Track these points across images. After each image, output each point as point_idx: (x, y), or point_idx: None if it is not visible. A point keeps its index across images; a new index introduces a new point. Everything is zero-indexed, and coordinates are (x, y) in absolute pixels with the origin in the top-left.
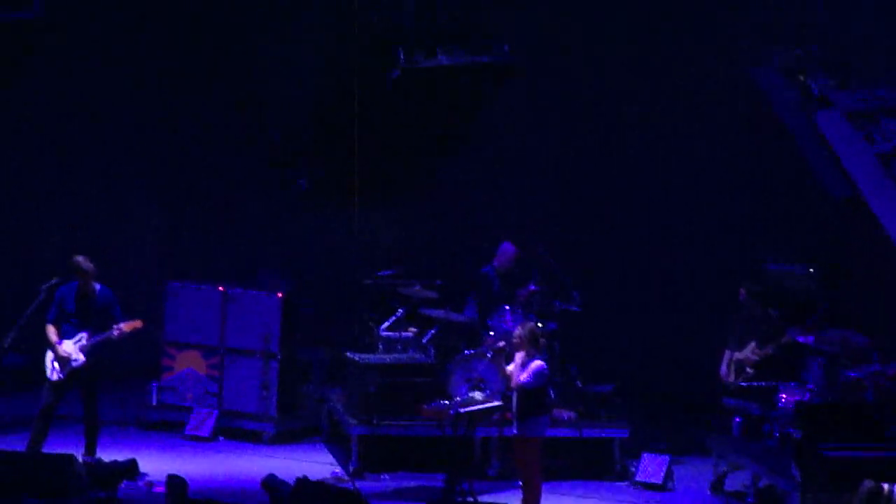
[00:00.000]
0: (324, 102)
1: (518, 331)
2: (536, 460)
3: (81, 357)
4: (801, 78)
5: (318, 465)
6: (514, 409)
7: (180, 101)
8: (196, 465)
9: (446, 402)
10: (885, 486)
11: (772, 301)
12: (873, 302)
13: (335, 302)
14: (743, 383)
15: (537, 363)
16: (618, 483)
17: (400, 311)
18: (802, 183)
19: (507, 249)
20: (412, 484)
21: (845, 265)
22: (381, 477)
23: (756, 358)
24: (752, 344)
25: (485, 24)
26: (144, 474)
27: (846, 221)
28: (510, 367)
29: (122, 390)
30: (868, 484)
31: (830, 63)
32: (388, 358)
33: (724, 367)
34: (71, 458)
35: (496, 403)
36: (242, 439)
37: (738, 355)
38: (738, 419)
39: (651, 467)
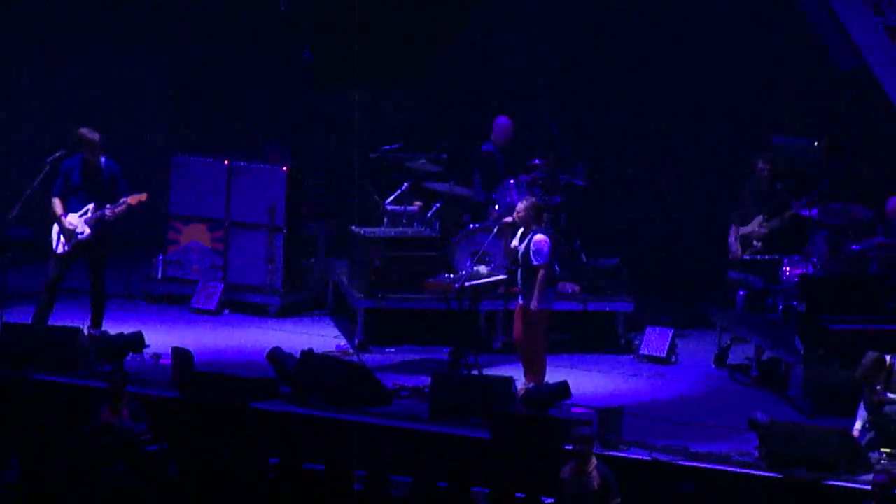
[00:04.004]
0: None
1: (520, 205)
2: (542, 333)
3: (87, 230)
4: None
5: (323, 338)
6: (519, 283)
7: None
8: (202, 338)
9: (451, 275)
10: (888, 357)
11: (779, 174)
12: (877, 175)
13: (340, 176)
14: (748, 257)
15: (539, 237)
16: (622, 356)
17: (405, 184)
18: (810, 55)
19: (502, 122)
20: (417, 357)
21: (850, 138)
22: (386, 350)
23: (763, 231)
24: (759, 218)
25: None
26: (150, 347)
27: (852, 94)
28: (514, 242)
29: (127, 263)
30: (871, 355)
31: None
32: (392, 231)
33: (731, 241)
34: (77, 330)
35: (501, 277)
36: (248, 312)
37: (744, 229)
38: (742, 293)
39: (655, 341)
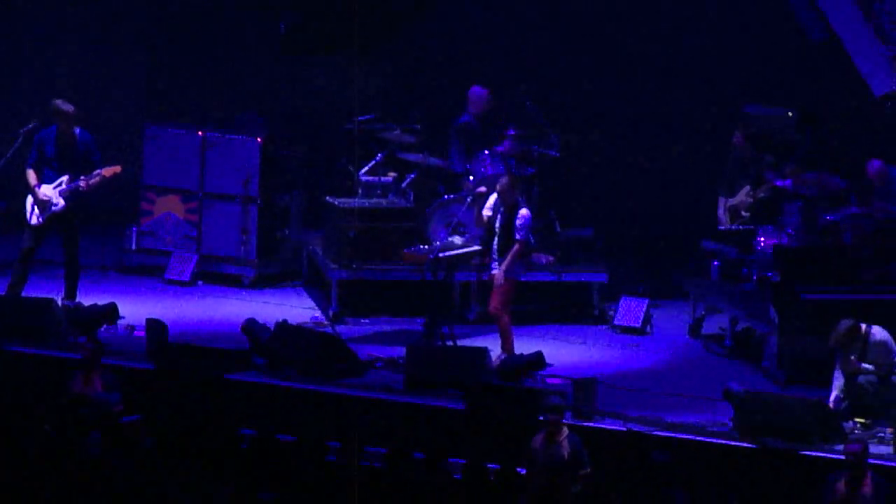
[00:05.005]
0: None
1: (502, 183)
2: (508, 301)
3: (61, 201)
4: None
5: (298, 309)
6: (496, 252)
7: None
8: (176, 309)
9: (426, 246)
10: (862, 325)
11: (762, 144)
12: (851, 145)
13: (315, 146)
14: (737, 227)
15: (524, 212)
16: (596, 327)
17: (379, 155)
18: (783, 25)
19: (478, 93)
20: (392, 328)
21: (824, 108)
22: (361, 321)
23: (751, 201)
24: (747, 188)
25: None
26: (124, 318)
27: (824, 65)
28: (485, 211)
29: (101, 235)
30: (846, 322)
31: None
32: (367, 202)
33: (720, 213)
34: (50, 302)
35: (475, 248)
36: (222, 283)
37: (731, 201)
38: (716, 263)
39: (629, 311)
